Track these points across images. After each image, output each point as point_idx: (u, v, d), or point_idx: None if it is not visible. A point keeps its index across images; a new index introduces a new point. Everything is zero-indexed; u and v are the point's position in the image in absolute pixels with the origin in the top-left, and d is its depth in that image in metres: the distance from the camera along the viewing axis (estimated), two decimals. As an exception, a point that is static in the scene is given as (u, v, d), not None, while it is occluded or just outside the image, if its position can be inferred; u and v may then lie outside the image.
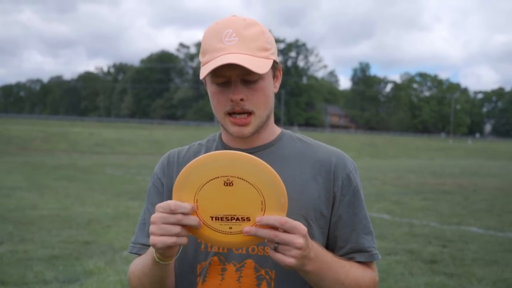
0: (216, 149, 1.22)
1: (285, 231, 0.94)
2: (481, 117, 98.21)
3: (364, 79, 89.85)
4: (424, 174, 18.92)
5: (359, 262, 1.17)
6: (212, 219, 0.98)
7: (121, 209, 8.42)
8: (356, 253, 1.17)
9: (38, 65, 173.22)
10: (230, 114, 1.12)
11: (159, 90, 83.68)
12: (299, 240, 0.94)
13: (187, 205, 0.96)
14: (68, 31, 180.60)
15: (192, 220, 0.96)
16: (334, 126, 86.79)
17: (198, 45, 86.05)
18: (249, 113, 1.11)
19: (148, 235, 1.16)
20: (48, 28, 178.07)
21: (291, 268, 0.99)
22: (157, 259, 1.02)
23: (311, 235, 1.10)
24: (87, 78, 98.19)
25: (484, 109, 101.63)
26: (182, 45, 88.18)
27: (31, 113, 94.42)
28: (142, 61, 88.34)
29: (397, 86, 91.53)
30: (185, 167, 0.98)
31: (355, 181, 1.19)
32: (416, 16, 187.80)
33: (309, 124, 79.77)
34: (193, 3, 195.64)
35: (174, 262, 1.10)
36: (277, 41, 77.31)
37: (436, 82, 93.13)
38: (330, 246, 1.18)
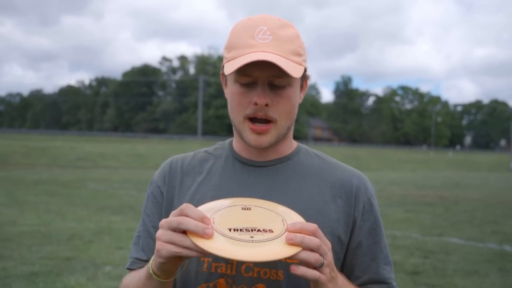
0: (226, 158, 1.12)
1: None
2: (461, 130, 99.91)
3: (346, 92, 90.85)
4: (406, 186, 19.12)
5: None
6: (230, 230, 0.87)
7: (104, 224, 8.32)
8: (375, 284, 1.08)
9: (19, 78, 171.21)
10: (251, 120, 1.02)
11: (141, 103, 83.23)
12: (329, 254, 0.88)
13: (197, 211, 0.87)
14: (50, 44, 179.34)
15: (193, 224, 0.84)
16: (317, 139, 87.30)
17: (181, 58, 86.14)
18: (269, 121, 1.02)
19: (143, 249, 1.11)
20: (29, 41, 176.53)
21: (314, 285, 0.89)
22: (152, 273, 0.92)
23: None
24: (68, 91, 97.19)
25: (464, 122, 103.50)
26: (165, 58, 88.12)
27: (10, 127, 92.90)
28: (124, 74, 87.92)
29: (379, 99, 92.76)
30: (202, 206, 0.94)
31: (376, 207, 1.11)
32: (399, 29, 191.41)
33: (293, 137, 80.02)
34: (177, 16, 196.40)
35: (173, 282, 1.02)
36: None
37: (418, 95, 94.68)
38: (345, 273, 1.07)
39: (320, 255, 0.85)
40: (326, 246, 0.88)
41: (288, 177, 1.07)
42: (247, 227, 0.87)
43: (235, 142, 1.13)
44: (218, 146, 1.18)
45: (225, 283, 1.01)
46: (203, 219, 0.85)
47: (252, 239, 0.85)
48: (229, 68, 0.98)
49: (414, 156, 52.29)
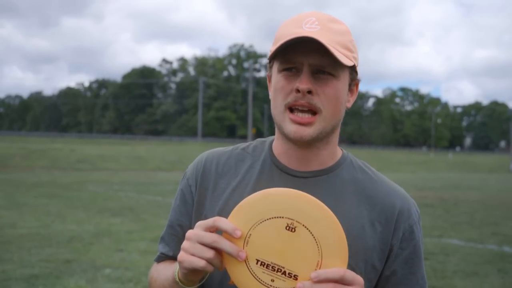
0: (263, 162, 1.05)
1: (343, 283, 0.80)
2: (461, 131, 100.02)
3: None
4: (406, 188, 18.93)
5: None
6: (257, 263, 0.84)
7: (103, 226, 8.31)
8: None
9: (18, 80, 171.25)
10: (291, 110, 0.95)
11: (141, 105, 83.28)
12: None
13: (229, 224, 0.83)
14: (50, 46, 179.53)
15: (228, 245, 0.82)
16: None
17: (181, 60, 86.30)
18: (314, 113, 0.95)
19: (166, 243, 1.09)
20: (29, 43, 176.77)
21: None
22: (177, 279, 0.91)
23: None
24: (68, 93, 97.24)
25: (464, 123, 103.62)
26: (165, 60, 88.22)
27: (10, 129, 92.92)
28: (124, 76, 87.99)
29: (379, 101, 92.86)
30: (247, 197, 0.86)
31: (418, 235, 1.03)
32: (399, 31, 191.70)
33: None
34: (177, 18, 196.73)
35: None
36: (261, 56, 77.97)
37: (418, 96, 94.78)
38: None
39: None
40: (358, 283, 0.81)
41: (327, 193, 0.99)
42: (274, 264, 0.84)
43: (276, 144, 1.05)
44: (257, 144, 1.10)
45: None
46: (235, 232, 0.82)
47: (271, 283, 0.84)
48: (272, 50, 0.95)
49: (414, 157, 52.31)
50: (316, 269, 0.83)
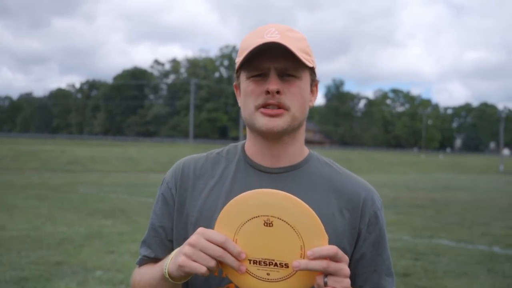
0: (238, 162, 1.13)
1: (334, 259, 0.89)
2: (451, 132, 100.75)
3: (338, 95, 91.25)
4: (397, 189, 19.23)
5: None
6: (250, 263, 0.93)
7: (94, 228, 8.27)
8: None
9: (8, 81, 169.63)
10: (263, 107, 1.04)
11: (133, 106, 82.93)
12: (346, 267, 0.89)
13: (237, 248, 0.91)
14: (40, 47, 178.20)
15: (232, 261, 0.90)
16: (309, 142, 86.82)
17: (173, 61, 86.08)
18: (284, 109, 1.04)
19: (149, 246, 1.15)
20: (19, 43, 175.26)
21: None
22: (167, 275, 0.96)
23: None
24: (58, 95, 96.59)
25: (454, 124, 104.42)
26: (157, 61, 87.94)
27: None
28: (115, 77, 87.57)
29: (370, 102, 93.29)
30: (227, 204, 0.94)
31: (382, 219, 1.13)
32: (390, 33, 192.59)
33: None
34: (169, 19, 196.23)
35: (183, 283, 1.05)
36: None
37: (409, 98, 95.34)
38: None
39: (332, 274, 0.88)
40: (345, 260, 0.90)
41: (298, 186, 1.08)
42: (265, 259, 0.92)
43: (248, 145, 1.14)
44: (230, 148, 1.18)
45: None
46: (240, 255, 0.91)
47: (268, 277, 0.92)
48: (240, 60, 1.03)
49: (405, 158, 52.63)
50: (301, 253, 0.90)
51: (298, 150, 1.12)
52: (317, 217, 0.91)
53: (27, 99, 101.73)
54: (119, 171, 28.75)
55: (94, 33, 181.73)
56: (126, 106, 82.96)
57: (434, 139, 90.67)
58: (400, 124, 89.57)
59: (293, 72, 1.04)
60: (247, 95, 1.05)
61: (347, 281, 0.89)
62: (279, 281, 0.92)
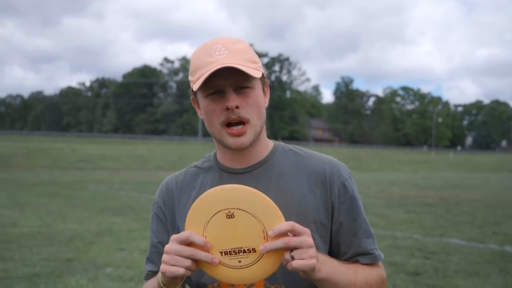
0: (213, 170, 1.24)
1: (295, 234, 0.98)
2: (462, 130, 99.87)
3: (347, 93, 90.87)
4: (407, 187, 19.12)
5: (364, 264, 1.21)
6: (222, 254, 1.01)
7: (104, 226, 8.32)
8: (360, 256, 1.20)
9: (19, 80, 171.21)
10: (228, 126, 1.13)
11: (142, 104, 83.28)
12: (308, 238, 0.98)
13: (201, 238, 1.00)
14: (51, 45, 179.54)
15: (204, 256, 0.99)
16: (317, 140, 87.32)
17: (183, 59, 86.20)
18: (244, 123, 1.13)
19: (152, 262, 1.27)
20: (30, 42, 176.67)
21: (310, 276, 1.01)
22: (162, 284, 1.06)
23: (316, 246, 1.11)
24: (69, 93, 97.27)
25: (465, 122, 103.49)
26: (166, 59, 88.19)
27: (11, 129, 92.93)
28: (124, 76, 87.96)
29: (379, 100, 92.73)
30: (192, 205, 1.03)
31: (351, 188, 1.21)
32: (400, 30, 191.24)
33: (293, 137, 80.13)
34: (178, 17, 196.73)
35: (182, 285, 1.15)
36: (261, 55, 77.80)
37: (418, 95, 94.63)
38: (334, 252, 1.21)
39: (296, 247, 0.97)
40: (306, 232, 0.99)
41: (269, 179, 1.18)
42: (234, 248, 1.01)
43: (218, 153, 1.24)
44: (205, 159, 1.28)
45: (227, 283, 1.13)
46: (206, 244, 1.00)
47: (240, 264, 1.01)
48: (197, 84, 1.10)
49: (415, 156, 52.29)
50: (263, 236, 0.99)
51: (263, 147, 1.21)
52: (271, 201, 1.00)
53: (38, 98, 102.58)
54: (129, 169, 28.92)
55: (104, 32, 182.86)
56: (135, 104, 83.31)
57: (445, 137, 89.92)
58: (410, 122, 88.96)
59: (246, 83, 1.12)
60: (209, 114, 1.15)
61: (312, 251, 0.98)
62: (251, 265, 1.01)
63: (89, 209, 10.44)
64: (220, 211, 1.00)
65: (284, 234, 0.98)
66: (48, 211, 9.90)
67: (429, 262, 6.02)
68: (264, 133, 1.22)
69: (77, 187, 15.90)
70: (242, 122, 1.13)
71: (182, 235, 1.00)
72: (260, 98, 1.17)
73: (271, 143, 1.25)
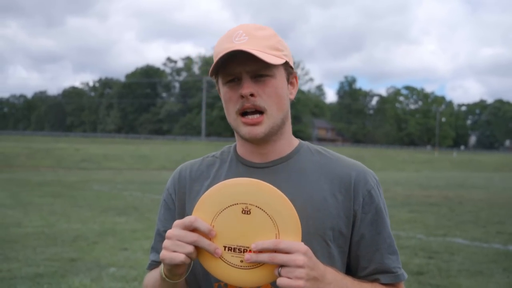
0: (231, 162, 1.17)
1: (281, 252, 0.92)
2: (465, 130, 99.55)
3: (350, 92, 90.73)
4: (411, 187, 19.07)
5: (384, 284, 1.11)
6: (225, 249, 0.96)
7: (108, 225, 8.34)
8: (381, 274, 1.11)
9: (23, 80, 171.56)
10: (242, 115, 1.07)
11: (145, 104, 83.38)
12: (298, 258, 0.91)
13: (206, 225, 0.94)
14: (54, 45, 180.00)
15: (207, 244, 0.94)
16: (321, 139, 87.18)
17: (186, 59, 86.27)
18: (261, 113, 1.06)
19: (157, 251, 1.19)
20: (34, 42, 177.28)
21: None
22: (164, 275, 1.01)
23: (331, 255, 1.07)
24: (72, 93, 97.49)
25: (468, 122, 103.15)
26: (169, 59, 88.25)
27: (15, 129, 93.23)
28: (128, 76, 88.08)
29: (383, 99, 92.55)
30: (207, 191, 0.98)
31: (377, 197, 1.12)
32: (404, 29, 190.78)
33: (296, 137, 79.57)
34: (181, 17, 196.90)
35: (185, 281, 1.10)
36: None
37: (422, 95, 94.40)
38: (352, 265, 1.13)
39: (282, 265, 0.91)
40: (297, 250, 0.92)
41: (288, 177, 1.10)
42: (240, 246, 0.95)
43: (238, 145, 1.18)
44: (224, 150, 1.22)
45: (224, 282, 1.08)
46: (210, 231, 0.94)
47: (241, 264, 0.95)
48: (211, 68, 1.07)
49: (418, 156, 52.15)
50: None
51: (286, 144, 1.15)
52: (295, 211, 0.95)
53: (41, 98, 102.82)
54: (132, 168, 28.95)
55: (107, 32, 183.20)
56: (139, 104, 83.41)
57: (448, 136, 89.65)
58: (413, 122, 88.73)
59: (266, 71, 1.06)
60: (227, 102, 1.09)
61: (300, 271, 0.90)
62: (251, 268, 0.95)
63: (93, 209, 10.46)
64: (237, 204, 0.95)
65: (270, 250, 0.92)
66: (52, 211, 9.93)
67: (433, 262, 6.01)
68: (287, 129, 1.15)
69: (80, 187, 15.94)
70: (258, 111, 1.06)
71: (186, 219, 0.95)
72: (282, 88, 1.09)
73: (296, 141, 1.18)
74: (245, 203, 0.95)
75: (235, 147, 1.20)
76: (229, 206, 0.95)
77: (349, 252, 1.12)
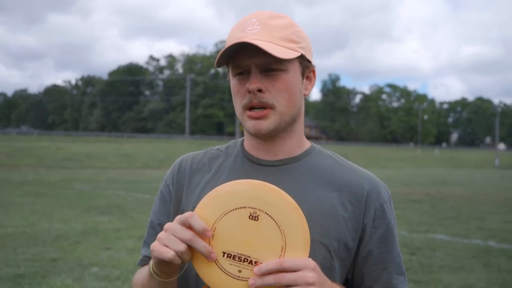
0: (236, 156, 1.10)
1: (286, 271, 0.84)
2: (447, 127, 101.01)
3: (333, 90, 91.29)
4: (394, 184, 19.27)
5: None
6: (223, 255, 0.87)
7: (90, 225, 8.25)
8: None
9: (3, 78, 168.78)
10: (251, 109, 1.00)
11: (129, 103, 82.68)
12: (308, 274, 0.84)
13: (201, 223, 0.86)
14: (35, 42, 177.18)
15: (202, 245, 0.86)
16: (305, 137, 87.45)
17: (169, 57, 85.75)
18: (269, 108, 1.00)
19: (149, 246, 1.09)
20: (14, 39, 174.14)
21: None
22: (152, 270, 0.94)
23: (332, 267, 1.00)
24: (54, 91, 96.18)
25: (450, 119, 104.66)
26: (152, 57, 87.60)
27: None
28: (110, 74, 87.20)
29: (366, 97, 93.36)
30: (215, 188, 0.90)
31: (390, 213, 1.06)
32: (387, 28, 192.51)
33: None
34: (165, 14, 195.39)
35: (177, 282, 1.01)
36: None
37: (404, 93, 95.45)
38: (355, 282, 1.06)
39: (291, 285, 0.84)
40: (306, 266, 0.85)
41: (297, 178, 1.03)
42: (240, 255, 0.87)
43: (245, 140, 1.12)
44: (231, 144, 1.16)
45: None
46: (205, 231, 0.86)
47: (239, 274, 0.87)
48: (217, 59, 0.99)
49: (401, 153, 52.74)
50: (280, 254, 0.86)
51: (296, 143, 1.08)
52: (306, 223, 0.88)
53: (22, 96, 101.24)
54: (115, 167, 28.67)
55: (89, 29, 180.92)
56: (122, 102, 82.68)
57: (430, 134, 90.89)
58: (396, 119, 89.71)
59: (277, 65, 0.98)
60: (235, 95, 1.03)
61: None
62: (247, 280, 0.86)
63: (75, 208, 10.33)
64: (246, 207, 0.87)
65: (274, 271, 0.84)
66: (33, 211, 9.78)
67: (415, 258, 6.08)
68: (299, 127, 1.07)
69: (62, 186, 15.73)
70: (265, 108, 1.00)
71: (183, 215, 0.88)
72: (294, 84, 1.01)
73: (307, 143, 1.11)
74: (254, 208, 0.86)
75: (242, 141, 1.13)
76: (236, 209, 0.87)
77: (353, 267, 1.05)
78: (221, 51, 0.97)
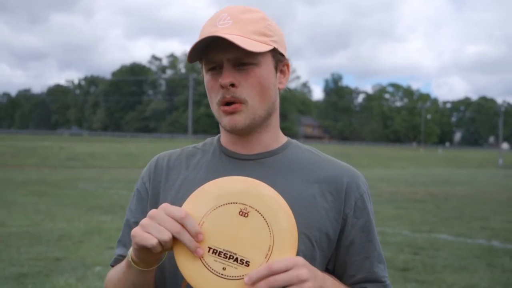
0: (213, 152, 1.10)
1: (277, 273, 0.83)
2: (450, 127, 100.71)
3: (336, 90, 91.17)
4: (396, 183, 19.24)
5: None
6: (209, 251, 0.85)
7: (93, 224, 8.27)
8: (369, 283, 1.06)
9: (7, 78, 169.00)
10: (225, 104, 1.00)
11: (132, 102, 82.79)
12: (300, 271, 0.83)
13: (195, 227, 0.85)
14: (39, 42, 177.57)
15: (188, 240, 0.84)
16: (307, 137, 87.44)
17: (171, 56, 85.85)
18: (240, 103, 1.00)
19: (124, 245, 1.09)
20: (18, 39, 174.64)
21: None
22: (130, 259, 0.92)
23: (313, 257, 1.00)
24: (57, 91, 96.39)
25: (453, 119, 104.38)
26: (154, 57, 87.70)
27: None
28: (114, 73, 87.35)
29: (369, 97, 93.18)
30: (206, 183, 0.89)
31: (369, 204, 1.07)
32: (391, 27, 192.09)
33: (284, 134, 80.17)
34: (168, 14, 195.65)
35: (154, 278, 0.99)
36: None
37: (408, 92, 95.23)
38: (337, 272, 1.07)
39: (287, 286, 0.82)
40: (296, 264, 0.84)
41: (276, 171, 1.04)
42: (226, 251, 0.85)
43: (222, 136, 1.12)
44: (207, 141, 1.16)
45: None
46: (198, 235, 0.85)
47: (223, 272, 0.84)
48: (189, 56, 0.99)
49: (404, 153, 52.63)
50: (267, 253, 0.85)
51: (273, 137, 1.08)
52: (295, 225, 0.87)
53: (25, 96, 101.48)
54: (118, 167, 28.73)
55: (92, 29, 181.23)
56: (125, 102, 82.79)
57: (433, 133, 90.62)
58: (399, 119, 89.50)
59: (249, 59, 0.98)
60: (209, 91, 1.03)
61: (307, 285, 0.83)
62: (233, 279, 0.84)
63: (78, 207, 10.36)
64: (237, 203, 0.86)
65: (265, 276, 0.82)
66: (37, 210, 9.81)
67: (418, 258, 6.07)
68: (274, 121, 1.07)
69: (66, 185, 15.77)
70: (238, 103, 1.00)
71: (177, 211, 0.85)
72: (268, 78, 1.01)
73: (284, 138, 1.11)
74: (244, 204, 0.86)
75: (218, 138, 1.13)
76: (226, 204, 0.86)
77: (335, 258, 1.06)
78: (192, 46, 0.97)
